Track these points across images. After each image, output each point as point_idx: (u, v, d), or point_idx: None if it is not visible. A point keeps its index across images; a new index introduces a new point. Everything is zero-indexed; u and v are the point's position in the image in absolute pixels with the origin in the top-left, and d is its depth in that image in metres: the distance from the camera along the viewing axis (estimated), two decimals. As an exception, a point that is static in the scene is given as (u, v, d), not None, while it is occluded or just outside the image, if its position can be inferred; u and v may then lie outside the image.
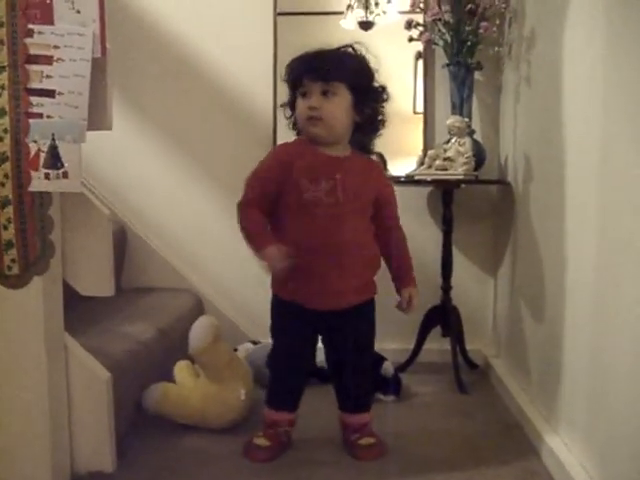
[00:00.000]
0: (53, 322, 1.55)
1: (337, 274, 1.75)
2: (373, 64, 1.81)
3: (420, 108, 2.74)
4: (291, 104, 1.83)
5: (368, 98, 1.79)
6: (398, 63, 2.73)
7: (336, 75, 1.73)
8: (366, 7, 2.71)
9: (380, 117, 1.83)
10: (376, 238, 1.84)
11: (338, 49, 1.80)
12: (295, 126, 1.85)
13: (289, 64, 1.81)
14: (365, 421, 1.87)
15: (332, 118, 1.73)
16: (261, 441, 1.84)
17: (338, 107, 1.74)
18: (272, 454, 1.82)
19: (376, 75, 1.81)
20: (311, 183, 1.72)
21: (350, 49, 1.81)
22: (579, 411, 1.65)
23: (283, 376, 1.88)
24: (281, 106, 1.87)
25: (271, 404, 1.88)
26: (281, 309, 1.85)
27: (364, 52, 1.81)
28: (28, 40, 1.39)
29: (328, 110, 1.73)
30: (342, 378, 1.89)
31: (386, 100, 1.83)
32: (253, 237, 1.74)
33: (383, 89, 1.83)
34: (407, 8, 2.62)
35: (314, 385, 2.09)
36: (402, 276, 1.86)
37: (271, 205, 1.75)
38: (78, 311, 1.71)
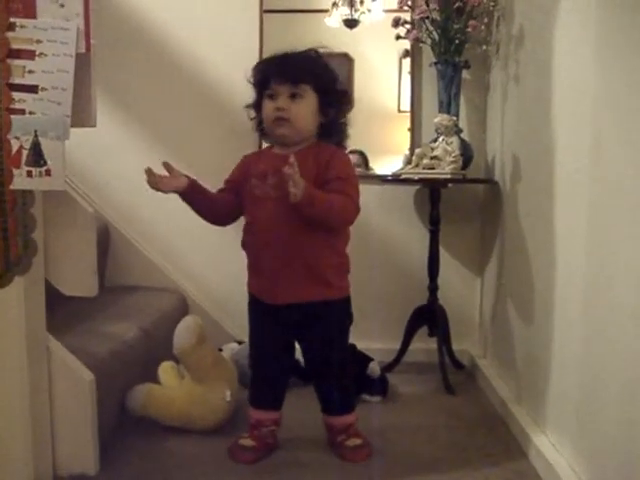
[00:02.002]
0: (35, 323, 1.52)
1: (286, 267, 1.75)
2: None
3: (404, 107, 2.73)
4: (256, 106, 1.85)
5: (332, 100, 1.82)
6: (383, 62, 2.74)
7: (303, 77, 1.76)
8: (351, 5, 2.71)
9: (343, 120, 1.86)
10: None
11: (303, 52, 1.82)
12: (259, 127, 1.87)
13: (255, 66, 1.87)
14: (350, 422, 1.86)
15: (299, 119, 1.77)
16: (246, 442, 1.83)
17: (305, 109, 1.78)
18: (257, 455, 1.80)
19: (339, 80, 1.85)
20: (259, 180, 1.78)
21: (313, 52, 1.83)
22: (568, 412, 1.63)
23: (262, 375, 1.88)
24: (246, 107, 1.89)
25: (253, 403, 1.88)
26: (252, 306, 1.87)
27: (327, 53, 1.84)
28: (10, 34, 1.36)
29: (295, 111, 1.76)
30: (320, 380, 1.89)
31: (349, 105, 1.87)
32: None
33: (346, 93, 1.88)
34: (392, 6, 2.61)
35: (297, 385, 2.08)
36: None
37: (237, 204, 1.84)
38: (60, 311, 1.68)
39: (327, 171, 1.75)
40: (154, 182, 1.72)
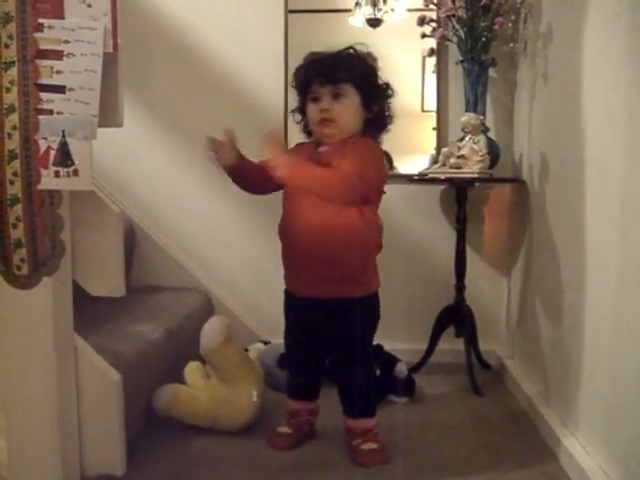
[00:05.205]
0: (62, 323, 1.53)
1: (322, 260, 1.75)
2: (376, 62, 1.87)
3: (428, 106, 2.72)
4: (301, 109, 1.89)
5: (375, 95, 1.84)
6: (406, 61, 2.73)
7: (343, 77, 1.79)
8: (374, 4, 2.71)
9: (387, 112, 1.88)
10: None
11: (341, 51, 1.84)
12: (306, 129, 1.92)
13: (296, 71, 1.88)
14: (369, 427, 1.84)
15: (343, 118, 1.80)
16: (283, 429, 1.91)
17: (348, 107, 1.80)
18: (293, 442, 1.88)
19: (379, 73, 1.87)
20: None
21: (351, 50, 1.85)
22: (599, 415, 1.61)
23: (296, 367, 1.95)
24: (291, 112, 1.94)
25: (290, 394, 1.95)
26: (286, 300, 1.91)
27: (365, 51, 1.87)
28: (38, 35, 1.36)
29: (339, 111, 1.79)
30: (342, 381, 1.87)
31: (391, 96, 1.88)
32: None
33: (387, 85, 1.88)
34: (416, 5, 2.60)
35: (328, 385, 2.07)
36: None
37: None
38: (87, 311, 1.68)
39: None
40: (214, 148, 1.85)
